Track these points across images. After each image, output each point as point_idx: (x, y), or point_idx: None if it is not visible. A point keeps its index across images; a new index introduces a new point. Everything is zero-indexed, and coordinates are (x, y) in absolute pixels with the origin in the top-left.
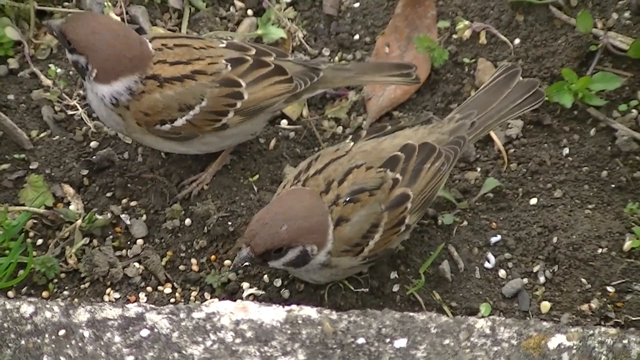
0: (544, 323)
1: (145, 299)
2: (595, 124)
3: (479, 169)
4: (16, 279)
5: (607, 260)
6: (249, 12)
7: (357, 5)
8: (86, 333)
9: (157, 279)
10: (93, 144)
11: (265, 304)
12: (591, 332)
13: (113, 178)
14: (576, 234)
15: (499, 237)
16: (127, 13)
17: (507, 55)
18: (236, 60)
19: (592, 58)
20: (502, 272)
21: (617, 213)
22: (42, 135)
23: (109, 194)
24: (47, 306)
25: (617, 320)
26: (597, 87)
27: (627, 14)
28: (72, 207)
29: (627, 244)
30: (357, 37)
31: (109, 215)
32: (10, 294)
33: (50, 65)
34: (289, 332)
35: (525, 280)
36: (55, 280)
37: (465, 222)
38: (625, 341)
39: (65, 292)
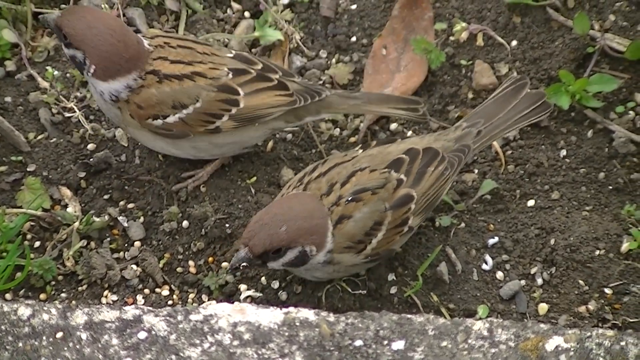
0: (542, 325)
1: (142, 301)
2: (593, 126)
3: (476, 171)
4: (14, 282)
5: (605, 262)
6: (246, 14)
7: (354, 7)
8: (84, 335)
9: (154, 281)
10: (90, 146)
11: (263, 306)
12: (589, 334)
13: (110, 180)
14: (574, 236)
15: (496, 239)
16: (124, 15)
17: (504, 57)
18: (239, 70)
19: (589, 60)
20: (499, 274)
21: (615, 215)
22: (39, 137)
23: (106, 196)
24: (45, 308)
25: (614, 322)
26: (594, 89)
27: (624, 15)
28: (69, 209)
29: (625, 246)
30: (354, 39)
31: (107, 217)
32: (8, 296)
33: (47, 67)
34: (286, 334)
35: (523, 282)
36: (53, 283)
37: (462, 224)
38: (622, 343)
39: (63, 295)
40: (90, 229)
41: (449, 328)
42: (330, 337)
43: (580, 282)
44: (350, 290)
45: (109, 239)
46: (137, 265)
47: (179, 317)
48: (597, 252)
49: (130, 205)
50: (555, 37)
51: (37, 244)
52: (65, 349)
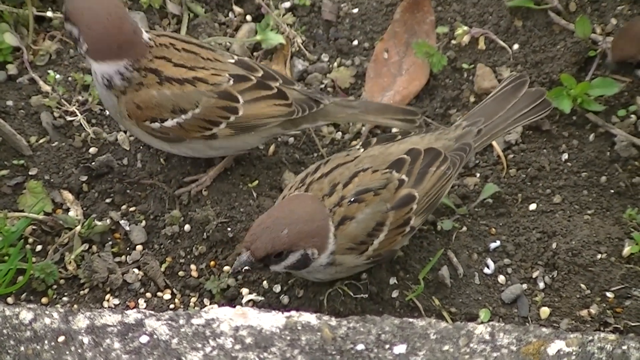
0: (544, 329)
1: (144, 305)
2: (594, 130)
3: (478, 175)
4: (15, 285)
5: (607, 266)
6: (248, 17)
7: (355, 10)
8: (85, 339)
9: (156, 285)
10: (92, 150)
11: (265, 310)
12: (590, 338)
13: (112, 184)
14: (575, 240)
15: (498, 242)
16: None
17: (506, 60)
18: (240, 77)
19: (590, 63)
20: (501, 278)
21: (616, 218)
22: (41, 141)
23: (108, 200)
24: (47, 312)
25: (616, 325)
26: (595, 93)
27: (625, 18)
28: (71, 213)
29: (626, 250)
30: (355, 42)
31: (108, 221)
32: (10, 300)
33: (49, 71)
34: (288, 338)
35: (525, 285)
36: (55, 287)
37: (464, 228)
38: (624, 347)
39: (65, 298)
40: (92, 233)
41: (451, 332)
42: (332, 341)
43: (582, 286)
44: (351, 294)
45: (110, 242)
46: (139, 269)
47: (181, 321)
48: (599, 256)
49: (132, 209)
50: (557, 41)
51: (39, 247)
52: (67, 353)
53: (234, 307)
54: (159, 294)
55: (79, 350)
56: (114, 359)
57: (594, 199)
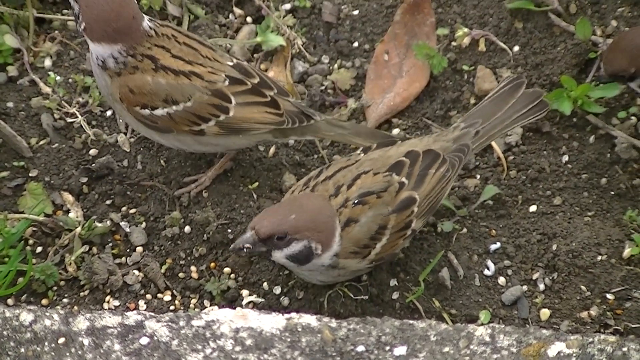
0: (544, 331)
1: (144, 306)
2: (595, 131)
3: (478, 176)
4: (15, 287)
5: (607, 268)
6: (248, 19)
7: (356, 12)
8: (86, 341)
9: (156, 287)
10: (92, 151)
11: (265, 312)
12: (591, 339)
13: (112, 186)
14: (576, 241)
15: (498, 244)
16: None
17: (506, 62)
18: (236, 80)
19: (591, 65)
20: (501, 280)
21: (617, 220)
22: (41, 142)
23: (108, 202)
24: (47, 314)
25: (616, 327)
26: (596, 95)
27: (626, 20)
28: (71, 214)
29: (627, 251)
30: (356, 44)
31: (109, 222)
32: (10, 301)
33: (49, 73)
34: (288, 340)
35: (525, 287)
36: (55, 288)
37: (464, 230)
38: (624, 349)
39: (65, 300)
40: (92, 235)
41: (451, 334)
42: (333, 342)
43: (582, 287)
44: (352, 295)
45: (111, 244)
46: (139, 270)
47: (181, 323)
48: (599, 258)
49: (132, 211)
50: (557, 43)
51: (39, 249)
52: (67, 354)
53: (234, 308)
54: (159, 295)
55: (79, 352)
56: None
57: (594, 201)
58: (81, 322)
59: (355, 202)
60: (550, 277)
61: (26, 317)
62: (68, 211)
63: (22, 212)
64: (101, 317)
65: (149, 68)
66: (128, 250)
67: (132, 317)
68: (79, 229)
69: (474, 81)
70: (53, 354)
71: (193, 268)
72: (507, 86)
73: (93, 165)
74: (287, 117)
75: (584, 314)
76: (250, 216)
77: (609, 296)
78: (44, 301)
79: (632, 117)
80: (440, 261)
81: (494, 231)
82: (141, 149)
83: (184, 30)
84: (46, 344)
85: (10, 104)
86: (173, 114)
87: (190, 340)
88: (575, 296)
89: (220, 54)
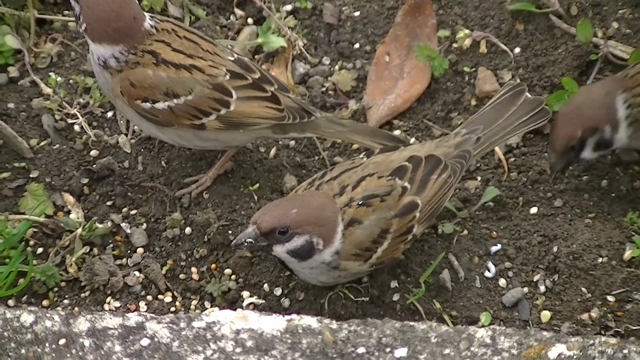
0: (545, 333)
1: (145, 307)
2: None
3: (479, 178)
4: (16, 288)
5: (608, 270)
6: (249, 20)
7: (357, 14)
8: (86, 342)
9: (157, 288)
10: (93, 152)
11: (266, 313)
12: (591, 341)
13: (113, 187)
14: (576, 243)
15: (499, 246)
16: None
17: (508, 64)
18: (237, 74)
19: (592, 67)
20: (502, 281)
21: (617, 222)
22: (42, 143)
23: (109, 203)
24: (48, 315)
25: (617, 329)
26: None
27: (627, 22)
28: (72, 215)
29: (627, 253)
30: (357, 45)
31: (109, 223)
32: (11, 302)
33: (50, 73)
34: (289, 341)
35: (526, 289)
36: (56, 289)
37: (465, 231)
38: (625, 351)
39: (66, 301)
40: (93, 236)
41: (452, 335)
42: (333, 344)
43: (583, 289)
44: (352, 297)
45: (111, 245)
46: (140, 271)
47: (182, 324)
48: (600, 260)
49: (133, 212)
50: (558, 45)
51: (40, 250)
52: (68, 355)
53: (235, 310)
54: (160, 296)
55: (80, 353)
56: None
57: (595, 203)
58: (82, 323)
59: (360, 203)
60: (551, 279)
61: (27, 318)
62: (69, 212)
63: (23, 213)
64: (102, 318)
65: (150, 62)
66: (129, 251)
67: (133, 319)
68: (79, 230)
69: (475, 83)
70: (54, 355)
71: (194, 269)
72: (508, 93)
73: (94, 166)
74: (287, 112)
75: (585, 316)
76: (251, 217)
77: (610, 298)
78: (45, 302)
79: None
80: (441, 263)
81: (494, 233)
82: (142, 150)
83: (184, 25)
84: (47, 345)
85: (11, 105)
86: (174, 108)
87: (191, 342)
88: (576, 298)
89: (221, 48)
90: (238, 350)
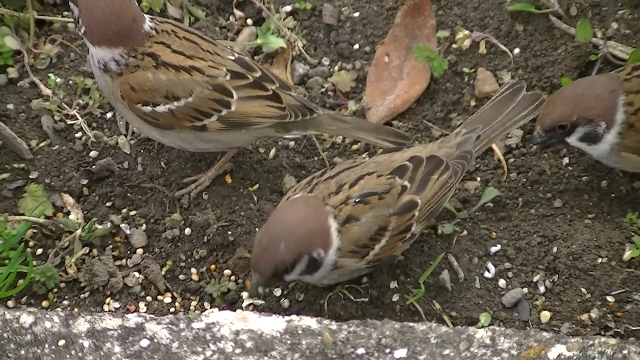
0: (544, 333)
1: (145, 308)
2: None
3: (478, 179)
4: (16, 289)
5: (607, 270)
6: (249, 21)
7: (356, 14)
8: (86, 343)
9: (156, 289)
10: (93, 153)
11: (265, 314)
12: (591, 342)
13: (113, 188)
14: (576, 244)
15: (498, 246)
16: None
17: (507, 64)
18: (237, 74)
19: (591, 67)
20: (502, 282)
21: (617, 223)
22: (41, 144)
23: (108, 204)
24: (47, 316)
25: (617, 330)
26: None
27: (626, 22)
28: (71, 216)
29: (627, 254)
30: (356, 46)
31: (109, 224)
32: (10, 303)
33: (49, 74)
34: (288, 342)
35: (525, 289)
36: (55, 290)
37: (465, 232)
38: (625, 351)
39: (65, 302)
40: (93, 236)
41: (451, 336)
42: (333, 345)
43: (583, 290)
44: (352, 298)
45: (111, 246)
46: (140, 272)
47: (181, 325)
48: (600, 260)
49: (133, 213)
50: (558, 45)
51: (40, 251)
52: (68, 356)
53: (235, 311)
54: (160, 297)
55: (80, 354)
56: None
57: (595, 203)
58: (81, 324)
59: (357, 200)
60: (551, 280)
61: (26, 319)
62: (68, 213)
63: (23, 214)
64: (101, 319)
65: (150, 65)
66: (128, 252)
67: (133, 319)
68: (79, 231)
69: (475, 83)
70: (53, 356)
71: (193, 270)
72: (507, 91)
73: (93, 167)
74: (289, 110)
75: (585, 317)
76: (250, 218)
77: (610, 298)
78: (44, 303)
79: None
80: (441, 263)
81: (494, 233)
82: (141, 150)
83: (183, 25)
84: (46, 346)
85: (10, 106)
86: (175, 110)
87: (190, 343)
88: (576, 298)
89: (222, 48)
90: (238, 351)
